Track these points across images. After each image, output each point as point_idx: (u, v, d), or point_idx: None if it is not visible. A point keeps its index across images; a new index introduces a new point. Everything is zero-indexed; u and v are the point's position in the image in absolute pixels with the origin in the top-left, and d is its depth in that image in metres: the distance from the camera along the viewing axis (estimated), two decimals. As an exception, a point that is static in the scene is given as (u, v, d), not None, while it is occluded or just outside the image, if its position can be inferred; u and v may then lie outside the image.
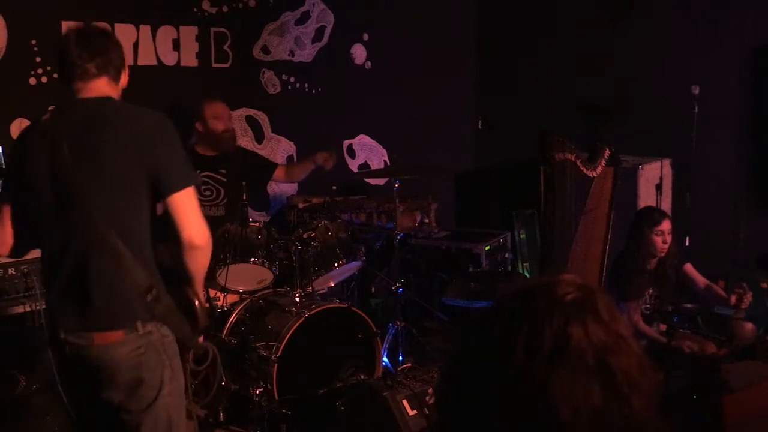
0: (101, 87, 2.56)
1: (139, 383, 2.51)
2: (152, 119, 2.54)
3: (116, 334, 2.47)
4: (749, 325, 4.19)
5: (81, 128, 2.48)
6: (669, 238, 4.27)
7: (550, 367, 0.91)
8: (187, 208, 2.49)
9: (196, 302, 2.56)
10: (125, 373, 2.50)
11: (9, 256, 3.21)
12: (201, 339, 2.67)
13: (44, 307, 3.36)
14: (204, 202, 4.66)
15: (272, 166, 5.05)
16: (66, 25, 4.55)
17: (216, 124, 4.67)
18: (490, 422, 0.93)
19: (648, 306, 4.26)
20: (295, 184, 5.64)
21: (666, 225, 4.28)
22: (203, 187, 4.68)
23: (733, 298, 4.12)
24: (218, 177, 4.70)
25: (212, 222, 4.34)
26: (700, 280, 4.36)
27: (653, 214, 4.37)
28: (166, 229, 2.56)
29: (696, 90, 5.31)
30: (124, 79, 2.66)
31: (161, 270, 2.56)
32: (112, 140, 2.45)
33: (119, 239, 2.43)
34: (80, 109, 2.53)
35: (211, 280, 4.13)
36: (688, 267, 4.37)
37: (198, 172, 4.65)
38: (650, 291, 4.35)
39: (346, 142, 6.05)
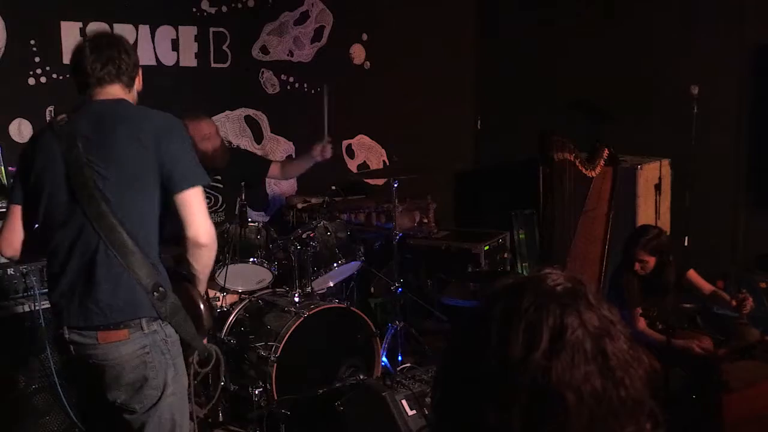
0: (115, 92, 2.61)
1: (144, 383, 2.51)
2: (168, 118, 2.60)
3: (121, 332, 2.48)
4: (754, 331, 4.17)
5: (95, 124, 2.52)
6: (649, 267, 4.19)
7: (549, 356, 0.93)
8: (195, 206, 2.52)
9: (201, 304, 2.57)
10: (130, 372, 2.50)
11: (13, 258, 3.22)
12: (205, 341, 2.67)
13: (48, 306, 3.39)
14: None
15: (266, 162, 4.99)
16: (65, 26, 4.57)
17: (206, 145, 4.42)
18: (491, 417, 0.94)
19: (648, 311, 4.25)
20: (294, 185, 5.65)
21: (651, 260, 4.19)
22: None
23: (734, 303, 4.10)
24: (214, 185, 4.66)
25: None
26: (705, 286, 4.33)
27: (640, 241, 4.25)
28: (174, 230, 2.57)
29: (695, 90, 5.31)
30: (138, 82, 2.70)
31: (167, 271, 2.57)
32: (128, 135, 2.49)
33: (129, 235, 2.46)
34: (94, 109, 2.58)
35: (210, 280, 4.12)
36: (692, 273, 4.34)
37: None
38: (650, 299, 4.33)
39: (345, 142, 6.05)
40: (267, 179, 5.45)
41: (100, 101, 2.59)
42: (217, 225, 4.34)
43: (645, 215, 5.42)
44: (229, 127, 5.39)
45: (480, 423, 0.95)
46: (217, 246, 2.60)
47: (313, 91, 5.76)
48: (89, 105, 2.59)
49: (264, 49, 5.52)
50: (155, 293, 2.48)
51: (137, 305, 2.48)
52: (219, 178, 4.66)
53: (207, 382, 3.66)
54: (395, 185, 4.69)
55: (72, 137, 2.51)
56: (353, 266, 4.57)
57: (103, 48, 2.63)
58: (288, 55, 5.64)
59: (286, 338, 3.91)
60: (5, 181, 3.92)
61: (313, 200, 5.15)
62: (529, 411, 0.92)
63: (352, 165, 6.10)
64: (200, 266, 2.58)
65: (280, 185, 5.62)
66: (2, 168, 3.95)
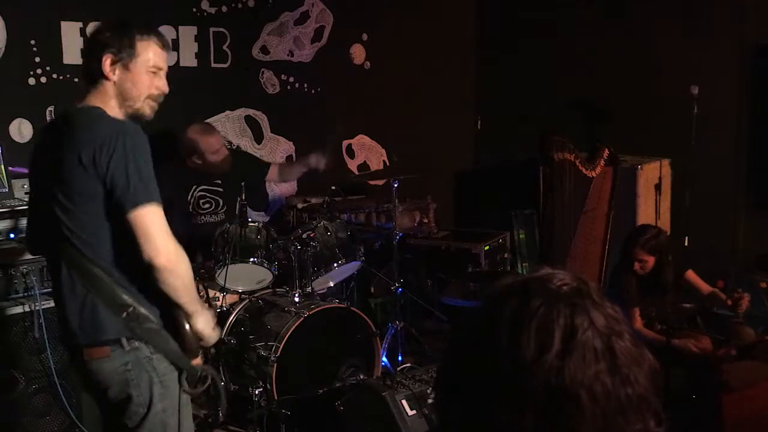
0: (88, 99, 2.49)
1: (128, 400, 2.46)
2: (110, 129, 2.34)
3: (103, 349, 2.42)
4: (749, 330, 4.17)
5: (54, 139, 2.43)
6: (648, 266, 4.19)
7: (562, 356, 0.93)
8: (144, 228, 2.28)
9: (184, 324, 2.44)
10: (115, 388, 2.46)
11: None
12: (198, 361, 2.55)
13: (48, 306, 3.50)
14: (204, 214, 4.65)
15: (265, 165, 5.02)
16: (65, 26, 4.57)
17: (214, 158, 4.56)
18: (502, 418, 0.94)
19: (647, 311, 4.25)
20: (294, 184, 5.64)
21: (650, 259, 4.19)
22: (202, 201, 4.65)
23: (729, 302, 4.10)
24: (214, 188, 4.68)
25: (213, 228, 4.36)
26: (704, 287, 4.33)
27: (639, 241, 4.24)
28: None
29: (695, 90, 5.31)
30: (108, 70, 2.45)
31: (153, 290, 2.40)
32: (73, 151, 2.32)
33: (90, 261, 2.37)
34: (61, 119, 2.50)
35: (210, 280, 4.13)
36: (690, 274, 4.34)
37: (195, 186, 4.63)
38: (649, 298, 4.33)
39: (345, 142, 6.05)
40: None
41: (74, 108, 2.47)
42: (217, 225, 4.41)
43: (645, 215, 5.42)
44: (229, 127, 5.39)
45: (489, 424, 0.95)
46: (183, 269, 2.35)
47: (313, 91, 5.76)
48: (62, 113, 2.49)
49: (264, 49, 5.51)
50: (125, 314, 2.37)
51: (104, 327, 2.39)
52: (219, 182, 4.67)
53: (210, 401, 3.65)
54: (395, 185, 4.69)
55: (39, 156, 2.50)
56: (353, 266, 4.57)
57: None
58: (288, 55, 5.64)
59: (286, 338, 3.91)
60: (5, 181, 3.92)
61: (313, 200, 5.16)
62: (543, 412, 0.92)
63: (352, 165, 6.10)
64: (170, 291, 2.34)
65: (280, 185, 5.62)
66: (2, 168, 3.95)
